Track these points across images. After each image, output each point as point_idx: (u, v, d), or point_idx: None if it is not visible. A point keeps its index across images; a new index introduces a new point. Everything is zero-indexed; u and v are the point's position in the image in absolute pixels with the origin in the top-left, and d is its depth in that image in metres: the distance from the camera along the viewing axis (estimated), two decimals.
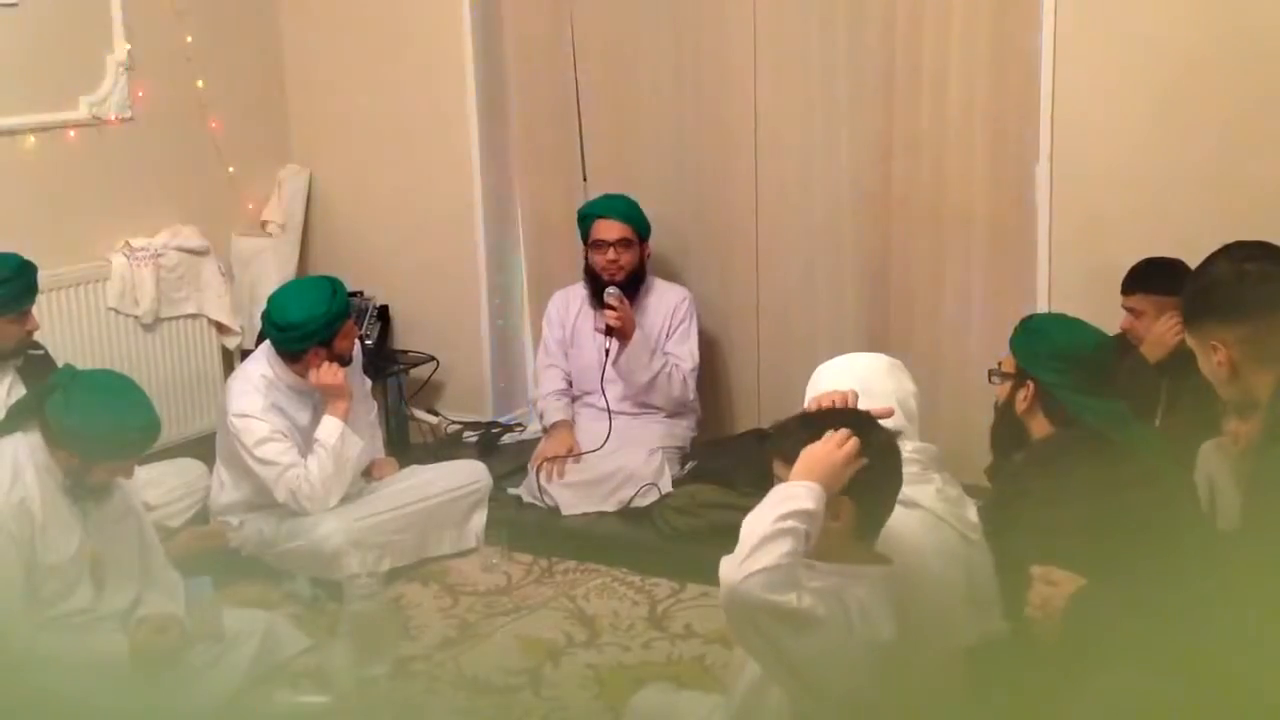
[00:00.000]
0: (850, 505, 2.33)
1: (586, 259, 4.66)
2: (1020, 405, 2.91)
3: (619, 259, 4.57)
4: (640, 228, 4.62)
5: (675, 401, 4.65)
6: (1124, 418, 2.83)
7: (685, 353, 4.66)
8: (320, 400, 4.06)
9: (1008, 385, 2.96)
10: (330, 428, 3.98)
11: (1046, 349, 2.88)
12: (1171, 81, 3.97)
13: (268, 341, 4.08)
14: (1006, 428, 2.99)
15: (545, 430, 4.71)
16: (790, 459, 2.34)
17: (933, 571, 2.65)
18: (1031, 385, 2.88)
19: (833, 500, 2.30)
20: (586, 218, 4.65)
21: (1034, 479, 2.84)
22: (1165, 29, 3.95)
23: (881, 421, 2.70)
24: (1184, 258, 3.52)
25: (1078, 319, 2.98)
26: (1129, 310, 3.76)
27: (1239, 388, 2.31)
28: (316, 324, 3.95)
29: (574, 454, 4.51)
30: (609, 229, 4.58)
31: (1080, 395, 2.82)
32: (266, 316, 4.05)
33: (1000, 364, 3.02)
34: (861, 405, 2.76)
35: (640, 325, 4.57)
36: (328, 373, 3.99)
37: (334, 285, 4.05)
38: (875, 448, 2.38)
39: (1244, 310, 2.28)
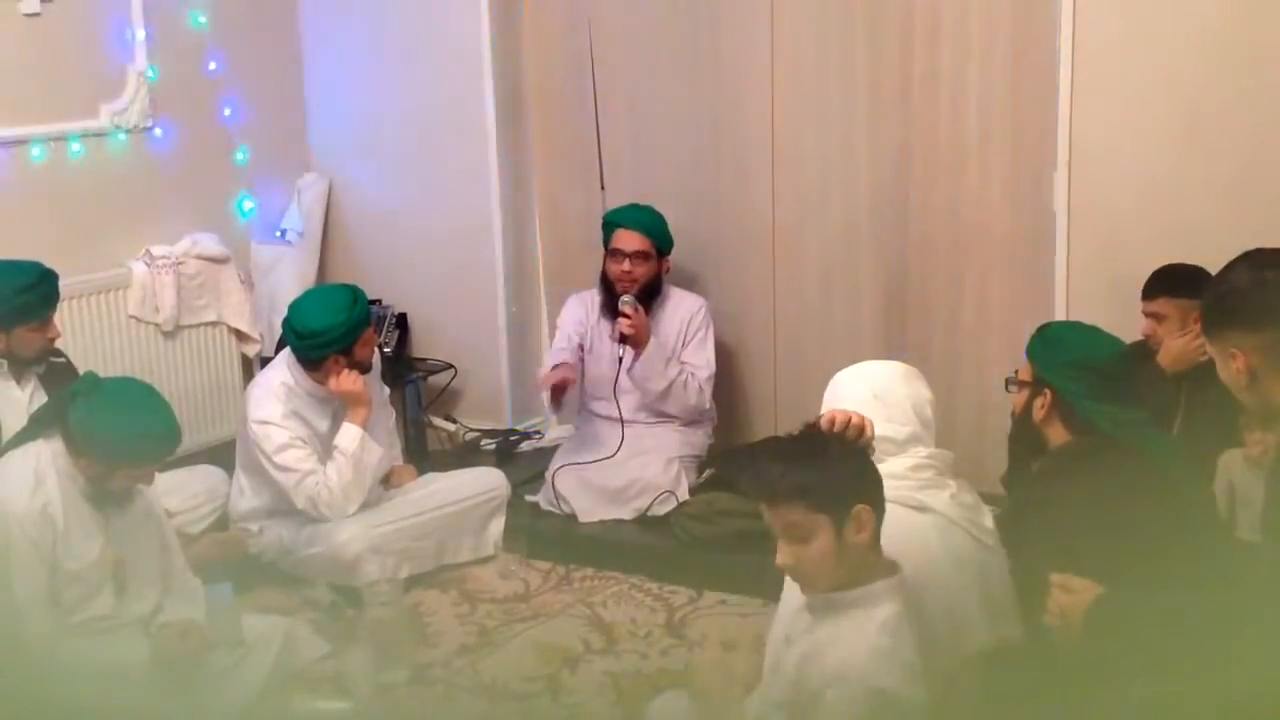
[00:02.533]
0: (871, 514, 2.33)
1: (604, 265, 4.68)
2: (1038, 413, 2.90)
3: (633, 271, 4.56)
4: (661, 242, 4.62)
5: (691, 410, 4.65)
6: (1142, 426, 2.82)
7: (701, 361, 4.65)
8: (340, 408, 4.07)
9: (1025, 394, 2.96)
10: (350, 435, 3.99)
11: (1064, 357, 2.87)
12: (1191, 89, 3.96)
13: (288, 349, 4.10)
14: (1024, 436, 2.98)
15: (553, 368, 4.58)
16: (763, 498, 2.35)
17: (946, 576, 2.65)
18: (1049, 393, 2.87)
19: (855, 514, 2.30)
20: (609, 224, 4.66)
21: (1052, 487, 2.84)
22: (1184, 36, 3.94)
23: (893, 427, 2.72)
24: (1203, 266, 3.52)
25: (1095, 327, 2.98)
26: (1150, 316, 3.74)
27: (1258, 395, 2.30)
28: (337, 332, 3.97)
29: (571, 379, 4.47)
30: (628, 240, 4.58)
31: (1098, 403, 2.81)
32: (287, 324, 4.06)
33: (1017, 372, 3.02)
34: (880, 413, 2.77)
35: (655, 333, 4.57)
36: (347, 380, 4.00)
37: (355, 293, 4.07)
38: (859, 452, 2.38)
39: (1264, 318, 2.27)
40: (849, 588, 2.34)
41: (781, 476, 2.31)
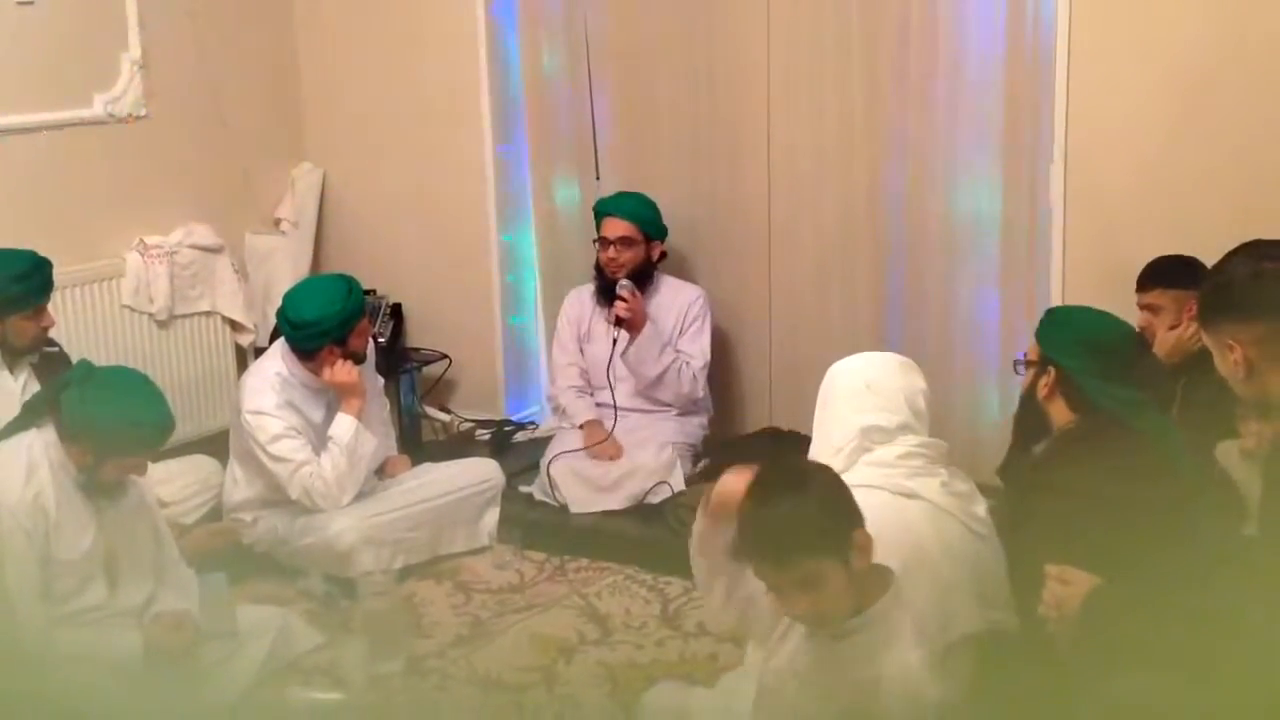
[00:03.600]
0: (867, 534, 2.30)
1: (596, 253, 4.70)
2: (1042, 391, 2.92)
3: (618, 257, 4.60)
4: (648, 228, 4.63)
5: (685, 398, 4.66)
6: (1145, 406, 2.84)
7: (696, 350, 4.66)
8: (334, 398, 4.07)
9: (1031, 373, 2.98)
10: (344, 425, 3.99)
11: (1069, 335, 2.91)
12: (1187, 81, 3.95)
13: (282, 339, 4.09)
14: (1029, 416, 3.00)
15: (578, 427, 4.66)
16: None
17: (934, 563, 2.65)
18: (1053, 372, 2.90)
19: (854, 541, 2.27)
20: (598, 212, 4.69)
21: (1054, 472, 2.85)
22: (1180, 27, 3.93)
23: (884, 416, 2.73)
24: (1197, 258, 3.52)
25: (1102, 310, 3.00)
26: (1146, 308, 3.74)
27: (1256, 387, 2.30)
28: (332, 322, 3.96)
29: (614, 456, 4.50)
30: (611, 227, 4.62)
31: (1101, 381, 2.83)
32: (282, 314, 4.05)
33: (1025, 354, 3.04)
34: (871, 402, 2.77)
35: (652, 321, 4.59)
36: (342, 370, 4.00)
37: (349, 283, 4.06)
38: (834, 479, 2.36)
39: (1261, 309, 2.27)
40: (860, 611, 2.31)
41: (779, 536, 2.23)
